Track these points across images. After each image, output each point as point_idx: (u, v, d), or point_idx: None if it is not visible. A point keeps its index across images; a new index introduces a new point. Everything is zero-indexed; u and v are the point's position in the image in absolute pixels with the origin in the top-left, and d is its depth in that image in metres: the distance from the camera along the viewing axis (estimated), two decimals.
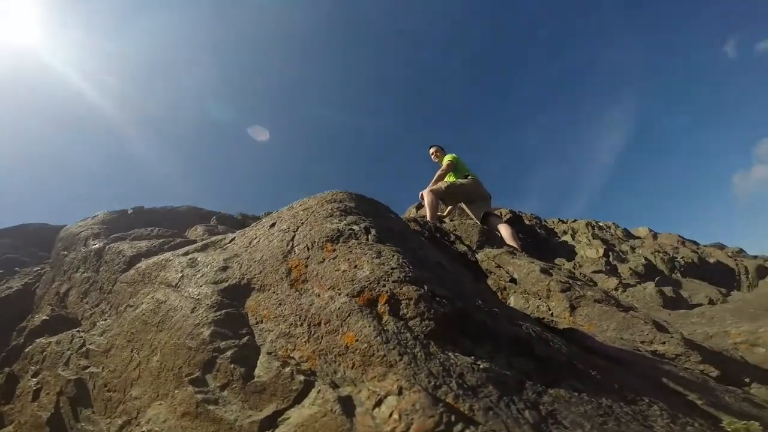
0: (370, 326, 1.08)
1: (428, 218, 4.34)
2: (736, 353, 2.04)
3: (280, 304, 1.36)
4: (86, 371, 1.76)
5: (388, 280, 1.22)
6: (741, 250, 9.08)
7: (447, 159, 4.93)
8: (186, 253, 2.05)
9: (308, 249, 1.54)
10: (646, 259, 7.53)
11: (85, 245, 2.83)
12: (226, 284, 1.59)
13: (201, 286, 1.63)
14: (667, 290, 4.98)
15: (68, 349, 1.97)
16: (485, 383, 0.91)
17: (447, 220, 4.89)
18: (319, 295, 1.29)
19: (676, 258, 7.81)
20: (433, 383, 0.89)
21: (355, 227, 1.63)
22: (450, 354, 1.01)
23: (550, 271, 2.77)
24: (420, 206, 6.26)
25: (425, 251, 1.81)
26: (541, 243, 8.35)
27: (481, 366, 0.98)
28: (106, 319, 2.00)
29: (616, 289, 5.36)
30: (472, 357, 1.02)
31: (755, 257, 8.52)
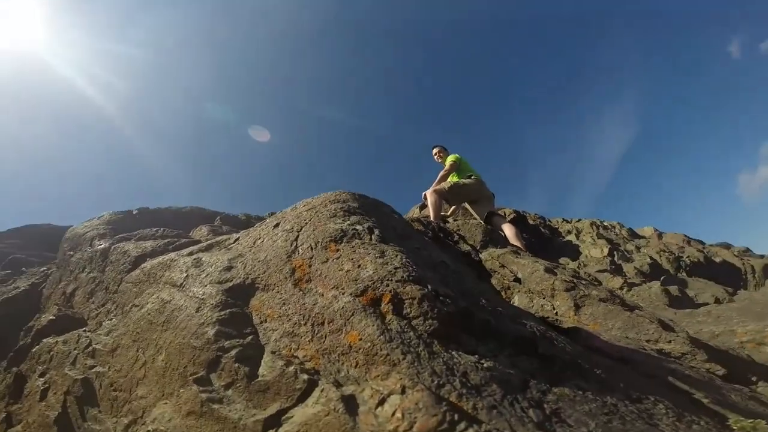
0: (373, 325, 1.08)
1: (432, 218, 4.33)
2: (743, 352, 2.02)
3: (284, 304, 1.36)
4: (93, 371, 1.78)
5: (391, 280, 1.22)
6: (747, 250, 9.00)
7: (450, 159, 4.93)
8: (191, 253, 2.06)
9: (312, 249, 1.54)
10: (651, 258, 7.48)
11: (91, 245, 2.85)
12: (231, 284, 1.59)
13: (205, 285, 1.64)
14: (673, 289, 4.94)
15: (75, 349, 1.98)
16: (489, 382, 0.91)
17: (451, 219, 4.88)
18: (322, 295, 1.29)
19: (682, 257, 7.75)
20: (436, 382, 0.89)
21: (358, 227, 1.63)
22: (453, 353, 1.01)
23: (555, 270, 2.75)
24: (424, 206, 6.25)
25: (429, 251, 1.81)
26: (545, 242, 8.32)
27: (485, 365, 0.98)
28: (111, 319, 2.01)
29: (621, 288, 5.33)
30: (476, 356, 1.02)
31: (762, 256, 8.43)
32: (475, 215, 4.83)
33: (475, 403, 0.83)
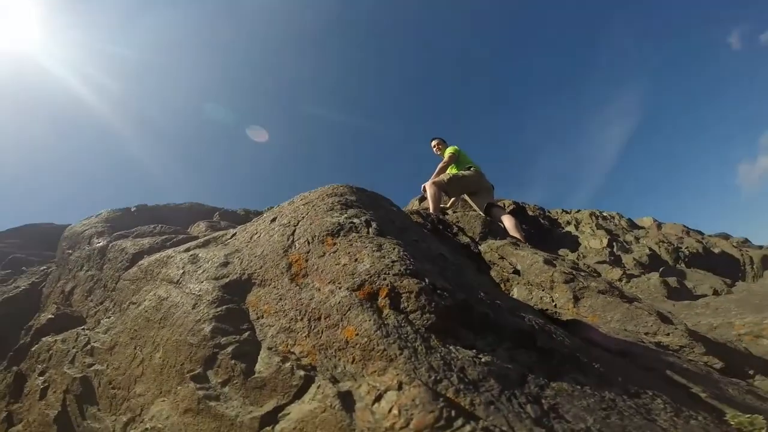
0: (370, 320, 1.07)
1: (431, 210, 4.33)
2: (740, 344, 2.02)
3: (280, 299, 1.35)
4: (91, 369, 1.78)
5: (388, 274, 1.21)
6: (746, 240, 8.99)
7: (449, 151, 4.91)
8: (187, 250, 2.05)
9: (309, 243, 1.53)
10: (650, 249, 7.48)
11: (89, 243, 2.84)
12: (227, 280, 1.58)
13: (202, 282, 1.63)
14: (672, 281, 4.94)
15: (74, 347, 1.98)
16: (486, 377, 0.90)
17: (450, 211, 4.87)
18: (319, 290, 1.28)
19: (681, 248, 7.75)
20: (433, 377, 0.88)
21: (355, 220, 1.62)
22: (451, 347, 1.01)
23: (554, 262, 2.75)
24: (423, 198, 6.24)
25: (427, 243, 1.80)
26: (544, 234, 8.32)
27: (483, 359, 0.97)
28: (110, 317, 2.01)
29: (620, 279, 5.33)
30: (474, 350, 1.01)
31: (760, 247, 8.43)
32: (475, 207, 4.82)
33: (473, 399, 0.82)
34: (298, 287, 1.36)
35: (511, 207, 8.76)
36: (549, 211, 10.03)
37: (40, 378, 2.00)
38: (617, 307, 2.16)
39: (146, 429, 1.28)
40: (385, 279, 1.19)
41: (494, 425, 0.76)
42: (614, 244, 7.71)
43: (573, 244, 8.04)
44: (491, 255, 3.02)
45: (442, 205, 4.81)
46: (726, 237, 9.16)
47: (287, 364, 1.09)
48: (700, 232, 9.13)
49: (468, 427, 0.75)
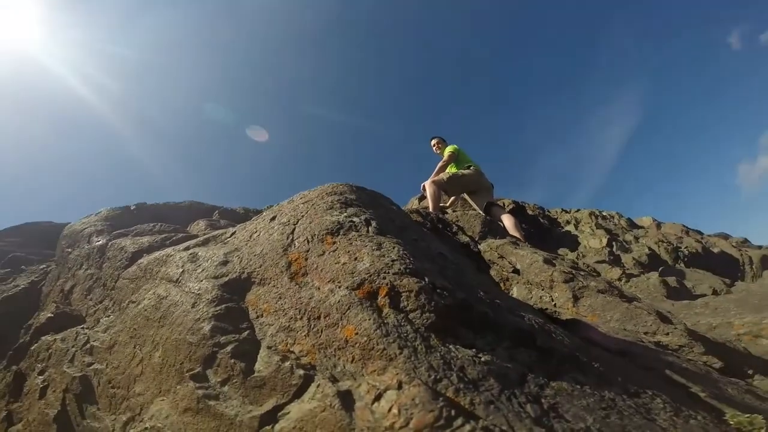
0: (369, 319, 1.07)
1: (431, 209, 4.32)
2: (740, 344, 2.02)
3: (280, 298, 1.35)
4: (91, 368, 1.77)
5: (388, 272, 1.21)
6: (746, 240, 9.00)
7: (448, 150, 4.91)
8: (187, 248, 2.05)
9: (308, 242, 1.53)
10: (649, 248, 7.48)
11: (89, 242, 2.84)
12: (227, 278, 1.58)
13: (201, 280, 1.62)
14: (671, 280, 4.94)
15: (73, 346, 1.98)
16: (486, 376, 0.90)
17: (450, 210, 4.88)
18: (318, 288, 1.28)
19: (680, 248, 7.75)
20: (433, 377, 0.88)
21: (355, 219, 1.62)
22: (451, 347, 1.00)
23: (554, 261, 2.75)
24: (422, 197, 6.24)
25: (427, 242, 1.80)
26: (544, 233, 8.32)
27: (483, 359, 0.97)
28: (109, 316, 2.01)
29: (619, 279, 5.33)
30: (474, 349, 1.01)
31: (760, 247, 8.43)
32: (474, 206, 4.82)
33: (473, 399, 0.82)
34: (297, 286, 1.35)
35: (510, 206, 8.76)
36: (548, 211, 10.03)
37: (40, 377, 2.00)
38: (617, 306, 2.17)
39: (146, 428, 1.28)
40: (384, 278, 1.19)
41: (494, 425, 0.76)
42: (614, 243, 7.71)
43: (572, 243, 8.05)
44: (491, 254, 3.02)
45: (441, 204, 4.81)
46: (725, 237, 9.17)
47: (287, 363, 1.09)
48: (700, 232, 9.14)
49: (468, 427, 0.75)
